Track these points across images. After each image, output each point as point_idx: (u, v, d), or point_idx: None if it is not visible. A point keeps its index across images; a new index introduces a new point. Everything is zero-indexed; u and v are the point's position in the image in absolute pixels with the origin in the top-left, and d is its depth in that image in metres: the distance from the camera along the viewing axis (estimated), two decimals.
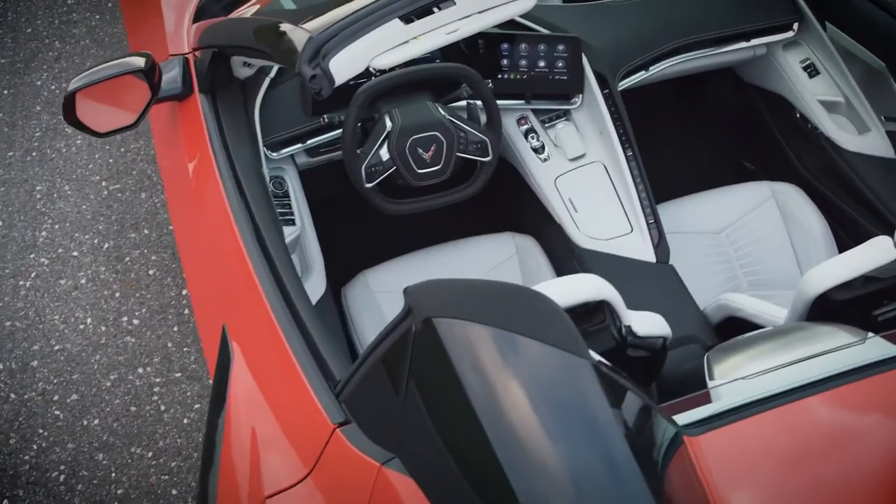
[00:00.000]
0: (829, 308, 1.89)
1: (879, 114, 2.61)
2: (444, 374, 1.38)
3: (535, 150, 2.57)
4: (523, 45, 2.50)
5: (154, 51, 2.67)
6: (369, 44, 1.91)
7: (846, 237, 2.67)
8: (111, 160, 3.63)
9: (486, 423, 1.30)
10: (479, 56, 2.51)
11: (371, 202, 2.34)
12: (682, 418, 1.48)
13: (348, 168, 2.28)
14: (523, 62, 2.52)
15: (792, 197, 2.65)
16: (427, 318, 1.41)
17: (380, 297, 2.50)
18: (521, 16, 2.62)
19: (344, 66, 1.90)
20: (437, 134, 2.28)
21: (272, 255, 1.95)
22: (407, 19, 1.95)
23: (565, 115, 2.61)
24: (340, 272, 2.63)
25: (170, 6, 2.70)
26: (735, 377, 1.67)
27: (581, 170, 2.53)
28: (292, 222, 2.44)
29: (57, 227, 3.41)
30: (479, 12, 1.99)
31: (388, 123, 2.27)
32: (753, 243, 2.63)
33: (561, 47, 2.51)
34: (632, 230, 2.42)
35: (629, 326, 1.72)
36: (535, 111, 2.62)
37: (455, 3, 1.95)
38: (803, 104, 2.72)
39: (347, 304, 2.49)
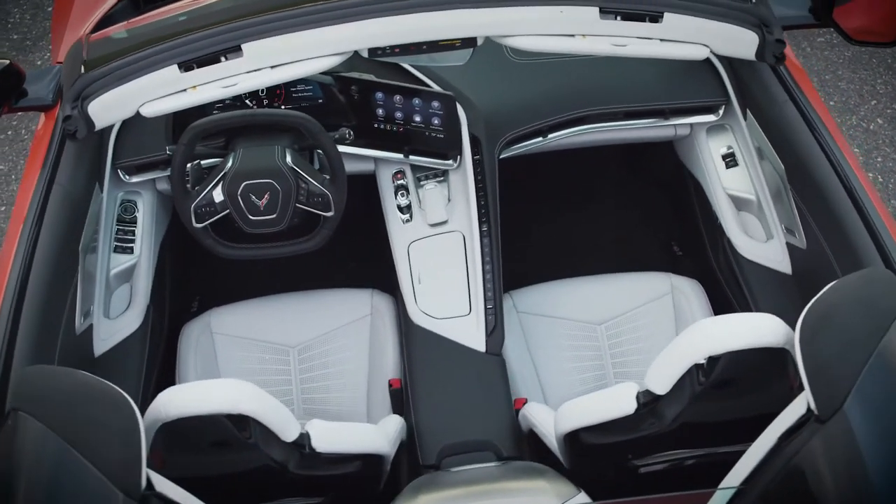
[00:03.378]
0: (582, 447, 1.68)
1: (782, 222, 2.31)
2: (8, 475, 1.28)
3: (401, 209, 2.40)
4: (398, 97, 2.34)
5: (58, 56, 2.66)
6: (139, 88, 1.81)
7: None
8: None
9: None
10: (354, 102, 2.37)
11: (201, 243, 2.24)
12: None
13: (176, 206, 2.19)
14: (399, 114, 2.36)
15: (687, 295, 2.41)
16: (13, 409, 1.31)
17: (217, 338, 2.41)
18: (412, 65, 2.46)
19: (106, 109, 1.81)
20: (273, 182, 2.16)
21: (26, 295, 1.87)
22: (187, 66, 1.83)
23: (443, 174, 2.44)
24: (201, 305, 2.55)
25: (78, 12, 2.67)
26: None
27: (438, 238, 2.35)
28: (130, 251, 2.37)
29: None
30: (271, 67, 1.85)
31: (229, 164, 2.17)
32: (637, 340, 2.40)
33: (436, 104, 2.33)
34: (469, 312, 2.23)
35: (307, 440, 1.55)
36: (413, 167, 2.45)
37: (243, 55, 1.82)
38: (712, 195, 2.45)
39: (182, 340, 2.41)
